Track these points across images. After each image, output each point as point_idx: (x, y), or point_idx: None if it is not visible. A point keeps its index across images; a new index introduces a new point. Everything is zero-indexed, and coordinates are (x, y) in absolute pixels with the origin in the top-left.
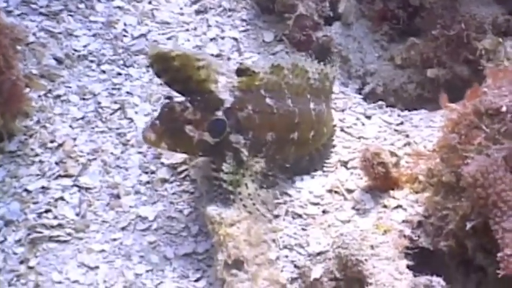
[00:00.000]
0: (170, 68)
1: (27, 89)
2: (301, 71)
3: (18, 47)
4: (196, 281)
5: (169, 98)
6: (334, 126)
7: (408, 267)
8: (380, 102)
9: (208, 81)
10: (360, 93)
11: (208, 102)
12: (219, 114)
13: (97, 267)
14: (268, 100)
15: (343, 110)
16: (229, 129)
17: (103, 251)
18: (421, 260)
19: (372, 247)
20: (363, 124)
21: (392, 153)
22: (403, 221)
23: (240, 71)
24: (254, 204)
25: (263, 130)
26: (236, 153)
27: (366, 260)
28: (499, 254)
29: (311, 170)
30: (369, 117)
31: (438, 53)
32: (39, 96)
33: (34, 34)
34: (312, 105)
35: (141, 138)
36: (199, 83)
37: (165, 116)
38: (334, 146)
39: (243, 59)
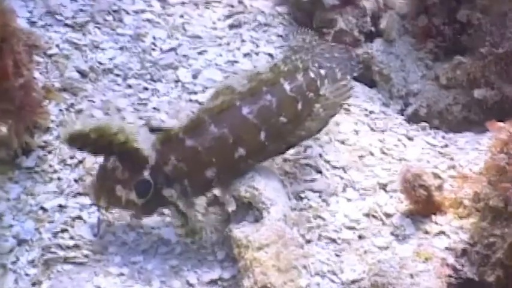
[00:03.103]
0: (89, 142)
1: (46, 102)
2: (227, 90)
3: (40, 59)
4: None
5: None
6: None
7: None
8: (423, 124)
9: (129, 141)
10: (401, 115)
11: (135, 161)
12: (145, 174)
13: None
14: (188, 142)
15: (383, 131)
16: (160, 185)
17: (121, 274)
18: None
19: (412, 276)
20: (405, 145)
21: (435, 175)
22: (446, 249)
23: (152, 130)
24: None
25: (198, 172)
26: (176, 206)
27: None
28: None
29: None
30: (411, 139)
31: (486, 73)
32: (60, 110)
33: (57, 46)
34: (245, 111)
35: None
36: (122, 145)
37: (99, 174)
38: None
39: None
